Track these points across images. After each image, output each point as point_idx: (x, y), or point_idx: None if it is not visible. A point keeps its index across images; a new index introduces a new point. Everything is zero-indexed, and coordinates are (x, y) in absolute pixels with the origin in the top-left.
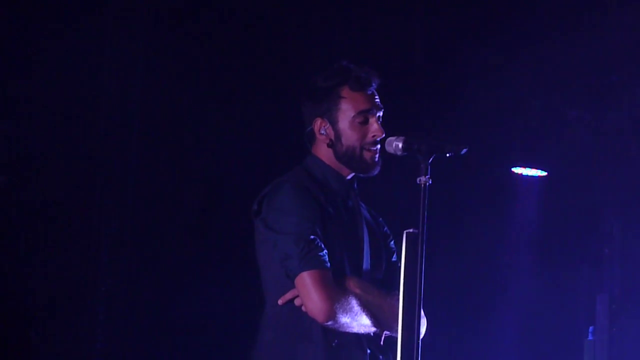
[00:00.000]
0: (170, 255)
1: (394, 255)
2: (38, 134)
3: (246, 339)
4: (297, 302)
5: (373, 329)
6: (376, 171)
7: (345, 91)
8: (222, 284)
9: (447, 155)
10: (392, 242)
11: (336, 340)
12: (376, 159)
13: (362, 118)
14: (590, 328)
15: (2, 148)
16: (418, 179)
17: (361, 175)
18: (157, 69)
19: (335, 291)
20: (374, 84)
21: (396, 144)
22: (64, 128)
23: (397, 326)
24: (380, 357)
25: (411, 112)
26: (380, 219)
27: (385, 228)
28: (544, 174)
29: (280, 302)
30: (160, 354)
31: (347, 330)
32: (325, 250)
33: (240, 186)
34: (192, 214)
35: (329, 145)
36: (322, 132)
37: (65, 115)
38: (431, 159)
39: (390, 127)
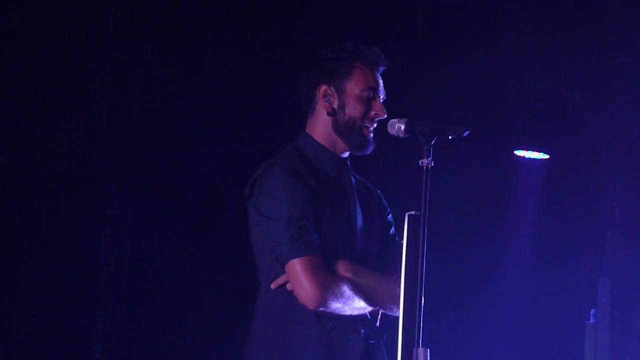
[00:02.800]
0: (169, 253)
1: (392, 228)
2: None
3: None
4: (288, 286)
5: (367, 310)
6: (370, 150)
7: (357, 64)
8: (222, 283)
9: (450, 137)
10: (390, 216)
11: (330, 323)
12: (371, 138)
13: (370, 94)
14: (592, 311)
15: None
16: (420, 161)
17: (355, 153)
18: (156, 68)
19: (326, 277)
20: (383, 66)
21: (399, 126)
22: (62, 123)
23: (393, 305)
24: (371, 341)
25: (413, 94)
26: (379, 191)
27: (383, 200)
28: (547, 156)
29: (272, 286)
30: (159, 353)
31: (340, 314)
32: (316, 235)
33: (240, 186)
34: (192, 212)
35: (329, 114)
36: (326, 99)
37: (64, 112)
38: (433, 141)
39: (391, 109)
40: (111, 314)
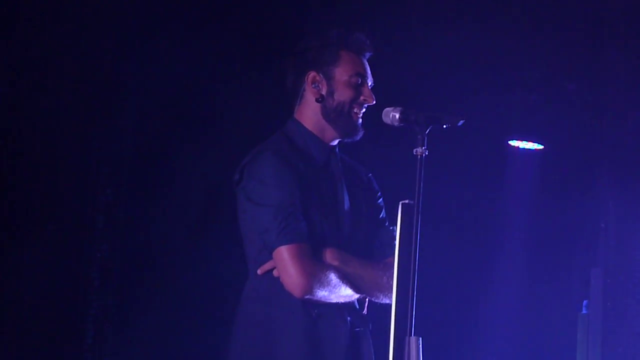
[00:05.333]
0: (163, 239)
1: (382, 212)
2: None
3: None
4: (275, 273)
5: (354, 297)
6: (359, 136)
7: (344, 52)
8: (215, 269)
9: (444, 126)
10: (381, 200)
11: (316, 311)
12: (360, 123)
13: (358, 80)
14: (585, 302)
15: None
16: (414, 150)
17: (345, 139)
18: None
19: (313, 265)
20: (369, 52)
21: (393, 115)
22: (56, 109)
23: (379, 293)
24: (357, 329)
25: (407, 83)
26: (370, 174)
27: (374, 184)
28: (541, 147)
29: (259, 272)
30: (152, 338)
31: (326, 301)
32: (304, 222)
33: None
34: (185, 198)
35: (318, 100)
36: (315, 85)
37: (58, 98)
38: (428, 130)
39: (385, 98)
40: (104, 300)
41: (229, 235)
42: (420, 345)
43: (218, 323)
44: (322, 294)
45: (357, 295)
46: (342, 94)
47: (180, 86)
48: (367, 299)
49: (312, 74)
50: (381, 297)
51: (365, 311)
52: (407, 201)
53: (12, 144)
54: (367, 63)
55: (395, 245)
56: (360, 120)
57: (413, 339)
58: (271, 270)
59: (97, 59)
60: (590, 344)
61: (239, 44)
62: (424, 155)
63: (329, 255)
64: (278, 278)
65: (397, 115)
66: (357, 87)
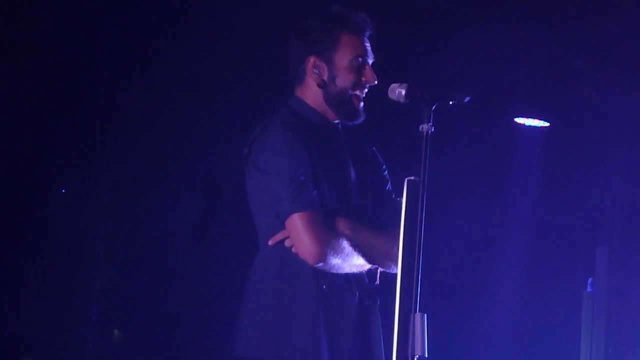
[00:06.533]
0: (169, 214)
1: (388, 184)
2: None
3: None
4: (287, 243)
5: (365, 267)
6: (360, 119)
7: (344, 34)
8: (221, 245)
9: (450, 103)
10: (386, 172)
11: (326, 284)
12: (361, 106)
13: (359, 62)
14: (589, 280)
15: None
16: (420, 127)
17: (346, 122)
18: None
19: (326, 233)
20: (369, 31)
21: (399, 91)
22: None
23: (391, 263)
24: (367, 303)
25: (413, 60)
26: (373, 148)
27: (378, 157)
28: (547, 124)
29: (270, 242)
30: (157, 314)
31: (338, 271)
32: (316, 191)
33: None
34: (192, 173)
35: (319, 86)
36: (315, 70)
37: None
38: (434, 106)
39: (391, 75)
40: (109, 276)
41: (237, 208)
42: (425, 322)
43: (225, 296)
44: (336, 261)
45: (368, 266)
46: (344, 80)
47: (184, 62)
48: (378, 270)
49: (312, 59)
50: (393, 266)
51: (377, 282)
52: (412, 178)
53: (18, 120)
54: (368, 41)
55: (401, 217)
56: (362, 103)
57: (418, 315)
58: (282, 241)
59: (103, 32)
60: (595, 321)
61: (238, 28)
62: (430, 131)
63: (341, 224)
64: (289, 249)
65: (403, 92)
66: (358, 70)
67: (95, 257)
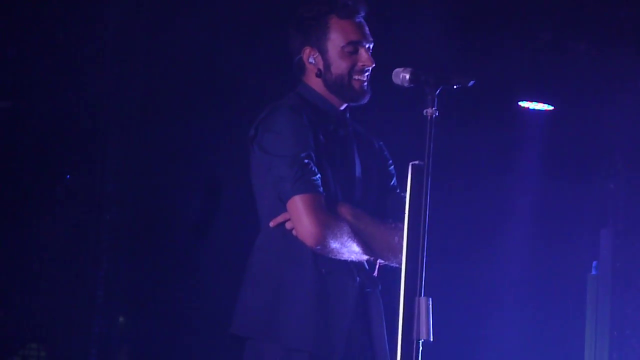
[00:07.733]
0: (172, 201)
1: (394, 179)
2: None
3: None
4: (288, 225)
5: (364, 257)
6: (365, 99)
7: (333, 20)
8: (224, 231)
9: (454, 87)
10: (392, 168)
11: (325, 267)
12: (365, 87)
13: (352, 48)
14: (594, 263)
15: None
16: (425, 111)
17: (352, 104)
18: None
19: (327, 216)
20: (362, 12)
21: (403, 75)
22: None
23: (390, 254)
24: (368, 289)
25: (417, 44)
26: (381, 143)
27: (385, 152)
28: (551, 108)
29: (271, 224)
30: (162, 298)
31: (336, 257)
32: (319, 175)
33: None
34: (195, 160)
35: (317, 75)
36: (311, 61)
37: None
38: (438, 90)
39: (395, 59)
40: (114, 261)
41: (240, 195)
42: (430, 306)
43: (228, 281)
44: (334, 245)
45: (366, 256)
46: (339, 67)
47: (185, 54)
48: (377, 261)
49: (307, 49)
50: (392, 258)
51: (375, 273)
52: (417, 162)
53: (23, 105)
54: (362, 23)
55: (405, 211)
56: (365, 84)
57: (423, 299)
58: (283, 223)
59: (107, 23)
60: (599, 304)
61: (245, 11)
62: (434, 115)
63: (343, 210)
64: (289, 231)
65: (407, 76)
66: (352, 55)
67: (99, 243)
